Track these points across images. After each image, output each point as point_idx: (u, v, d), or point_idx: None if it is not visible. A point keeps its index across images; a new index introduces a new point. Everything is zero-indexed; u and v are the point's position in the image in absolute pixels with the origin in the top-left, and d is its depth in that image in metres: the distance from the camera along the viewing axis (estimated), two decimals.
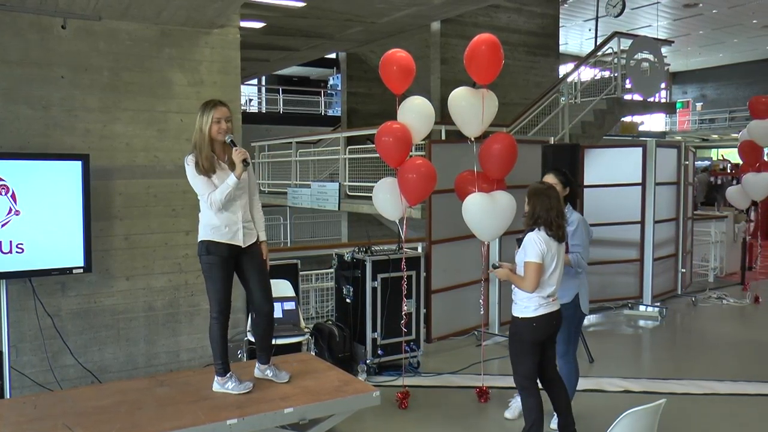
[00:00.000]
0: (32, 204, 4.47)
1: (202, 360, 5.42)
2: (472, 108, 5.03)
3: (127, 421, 3.63)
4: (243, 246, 4.06)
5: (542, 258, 3.95)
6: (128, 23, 5.05)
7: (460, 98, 5.11)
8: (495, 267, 4.22)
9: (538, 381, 4.17)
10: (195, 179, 3.98)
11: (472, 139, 5.18)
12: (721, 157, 27.79)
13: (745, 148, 8.72)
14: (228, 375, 4.06)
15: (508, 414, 4.79)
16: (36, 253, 4.50)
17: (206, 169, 3.93)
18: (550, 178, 4.53)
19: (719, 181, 19.45)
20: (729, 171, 20.77)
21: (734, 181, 13.97)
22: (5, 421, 3.62)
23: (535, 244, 3.96)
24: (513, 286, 4.13)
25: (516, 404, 4.78)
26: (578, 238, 4.46)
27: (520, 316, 4.05)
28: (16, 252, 4.42)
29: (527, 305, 4.02)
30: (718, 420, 4.93)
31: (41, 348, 4.78)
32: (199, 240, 4.07)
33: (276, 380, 4.20)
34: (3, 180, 4.36)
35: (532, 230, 4.02)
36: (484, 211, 5.06)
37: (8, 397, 4.50)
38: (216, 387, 4.08)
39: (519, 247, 4.14)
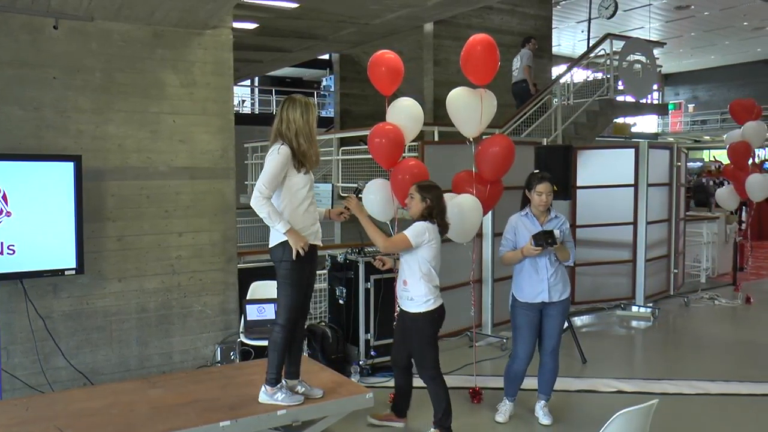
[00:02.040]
0: (24, 205, 4.45)
1: (195, 362, 5.41)
2: (470, 108, 5.03)
3: (120, 423, 3.62)
4: (321, 245, 3.96)
5: (417, 245, 4.15)
6: (121, 24, 5.03)
7: (458, 98, 5.10)
8: (357, 192, 4.50)
9: None
10: (285, 175, 3.73)
11: (471, 140, 5.18)
12: (712, 159, 27.91)
13: (739, 149, 8.76)
14: (279, 386, 3.86)
15: (499, 418, 4.78)
16: (27, 254, 4.48)
17: (303, 168, 3.75)
18: (546, 187, 4.60)
19: (710, 183, 19.45)
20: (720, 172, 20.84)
21: (724, 182, 14.01)
22: None
23: (421, 232, 4.17)
24: (402, 286, 4.30)
25: (505, 408, 4.81)
26: (569, 235, 4.73)
27: (422, 310, 4.23)
28: (8, 253, 4.40)
29: (428, 299, 4.22)
30: (711, 420, 4.95)
31: (33, 350, 4.76)
32: (277, 243, 3.78)
33: (310, 396, 3.97)
34: None
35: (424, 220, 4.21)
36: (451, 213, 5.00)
37: None
38: (263, 398, 3.85)
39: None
